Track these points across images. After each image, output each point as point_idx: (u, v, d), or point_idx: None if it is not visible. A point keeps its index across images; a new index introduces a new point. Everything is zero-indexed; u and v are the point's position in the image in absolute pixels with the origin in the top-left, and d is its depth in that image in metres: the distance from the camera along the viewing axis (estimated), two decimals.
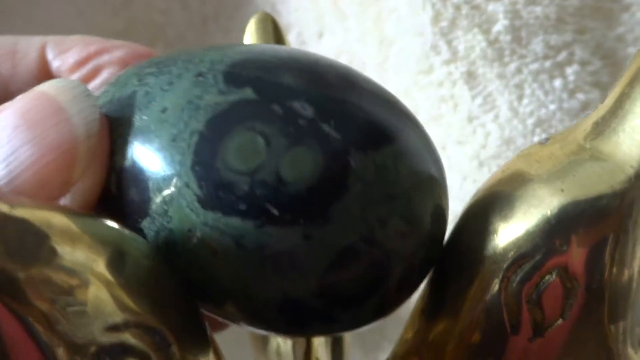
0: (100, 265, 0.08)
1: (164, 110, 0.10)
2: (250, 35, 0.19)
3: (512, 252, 0.10)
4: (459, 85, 0.24)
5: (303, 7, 0.28)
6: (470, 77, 0.25)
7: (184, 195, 0.10)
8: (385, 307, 0.11)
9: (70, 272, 0.08)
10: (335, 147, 0.10)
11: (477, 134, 0.24)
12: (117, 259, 0.08)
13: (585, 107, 0.24)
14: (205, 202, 0.10)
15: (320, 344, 0.16)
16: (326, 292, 0.10)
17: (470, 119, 0.25)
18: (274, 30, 0.20)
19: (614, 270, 0.09)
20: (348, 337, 0.18)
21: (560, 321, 0.10)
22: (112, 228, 0.09)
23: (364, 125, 0.10)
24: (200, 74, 0.10)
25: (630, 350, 0.10)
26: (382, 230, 0.10)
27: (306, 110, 0.10)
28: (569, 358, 0.10)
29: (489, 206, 0.11)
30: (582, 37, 0.24)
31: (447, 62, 0.25)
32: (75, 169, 0.10)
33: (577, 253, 0.09)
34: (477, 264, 0.10)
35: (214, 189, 0.10)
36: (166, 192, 0.10)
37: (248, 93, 0.10)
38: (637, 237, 0.10)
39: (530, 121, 0.24)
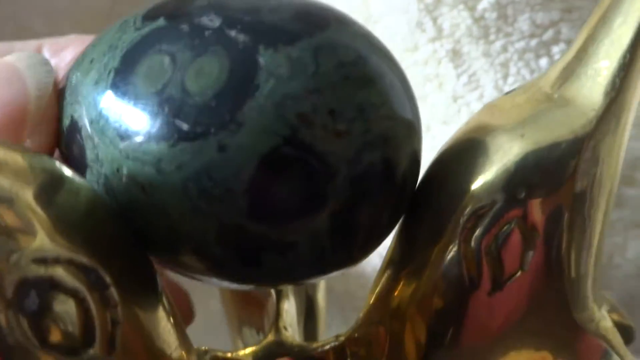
0: (28, 193, 0.08)
1: (91, 61, 0.11)
2: None
3: (472, 204, 0.10)
4: (443, 64, 0.24)
5: None
6: (456, 55, 0.24)
7: (106, 133, 0.10)
8: (346, 233, 0.10)
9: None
10: (242, 49, 0.09)
11: (461, 114, 0.24)
12: (49, 190, 0.08)
13: None
14: (124, 134, 0.10)
15: (292, 320, 0.16)
16: (261, 210, 0.09)
17: (455, 98, 0.24)
18: None
19: (575, 219, 0.09)
20: (322, 311, 0.17)
21: (519, 273, 0.09)
22: (50, 161, 0.09)
23: (276, 24, 0.10)
24: (125, 21, 0.11)
25: (592, 305, 0.10)
26: (307, 129, 0.09)
27: (213, 21, 0.10)
28: (530, 315, 0.09)
29: (451, 158, 0.10)
30: (569, 15, 0.23)
31: (433, 40, 0.24)
32: (25, 126, 0.11)
33: (536, 202, 0.09)
34: (440, 217, 0.10)
35: (130, 118, 0.10)
36: (95, 136, 0.10)
37: (160, 22, 0.10)
38: (601, 184, 0.09)
39: None
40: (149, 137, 0.09)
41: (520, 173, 0.09)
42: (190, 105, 0.09)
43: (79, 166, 0.10)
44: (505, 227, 0.09)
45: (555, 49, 0.23)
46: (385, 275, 0.12)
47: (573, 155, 0.09)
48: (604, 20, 0.09)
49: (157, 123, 0.09)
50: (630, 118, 0.09)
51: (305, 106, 0.09)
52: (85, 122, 0.10)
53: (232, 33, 0.10)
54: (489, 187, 0.09)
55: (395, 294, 0.11)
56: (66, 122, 0.11)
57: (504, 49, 0.24)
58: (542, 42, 0.23)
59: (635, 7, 0.09)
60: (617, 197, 0.23)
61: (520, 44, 0.23)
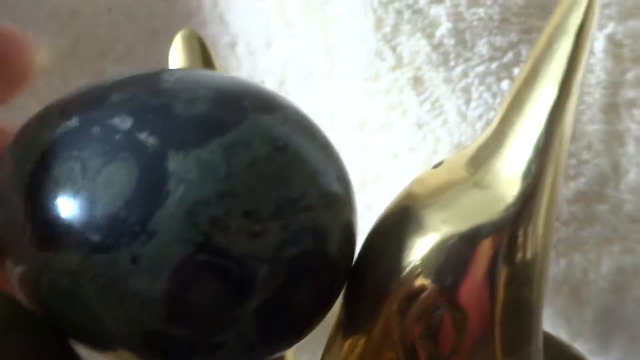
0: None
1: (12, 158, 0.10)
2: (177, 53, 0.18)
3: (403, 287, 0.09)
4: (406, 92, 0.24)
5: (250, 17, 0.28)
6: (417, 82, 0.24)
7: (25, 241, 0.10)
8: (275, 324, 0.10)
9: None
10: (151, 154, 0.09)
11: (427, 140, 0.24)
12: None
13: None
14: (39, 243, 0.09)
15: None
16: (181, 316, 0.09)
17: (420, 125, 0.24)
18: (200, 48, 0.19)
19: (507, 300, 0.09)
20: None
21: (453, 357, 0.09)
22: None
23: (186, 124, 0.09)
24: (45, 114, 0.11)
25: None
26: (221, 234, 0.09)
27: (124, 122, 0.09)
28: None
29: (384, 232, 0.10)
30: (528, 36, 0.23)
31: (393, 69, 0.24)
32: None
33: (463, 287, 0.09)
34: (376, 294, 0.10)
35: (42, 227, 0.09)
36: (16, 240, 0.10)
37: (73, 122, 0.10)
38: (529, 264, 0.09)
39: (479, 125, 0.24)
40: (61, 247, 0.09)
41: (446, 257, 0.09)
42: (101, 216, 0.09)
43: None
44: (435, 312, 0.09)
45: (516, 71, 0.23)
46: (337, 338, 0.11)
47: (495, 242, 0.09)
48: (518, 103, 0.09)
49: (69, 235, 0.09)
50: (554, 199, 0.09)
51: (218, 210, 0.09)
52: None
53: (142, 136, 0.09)
54: (416, 272, 0.09)
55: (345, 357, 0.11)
56: None
57: (465, 74, 0.24)
58: (502, 65, 0.23)
59: (548, 92, 0.08)
60: (588, 214, 0.23)
61: (481, 68, 0.23)
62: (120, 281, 0.09)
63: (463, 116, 0.24)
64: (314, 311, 0.10)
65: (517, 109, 0.09)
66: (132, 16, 0.29)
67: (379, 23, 0.24)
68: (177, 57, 0.18)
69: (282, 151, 0.10)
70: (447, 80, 0.24)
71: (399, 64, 0.24)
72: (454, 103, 0.24)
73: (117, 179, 0.09)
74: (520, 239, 0.09)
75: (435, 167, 0.11)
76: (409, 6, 0.23)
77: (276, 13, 0.27)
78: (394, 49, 0.24)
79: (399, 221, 0.10)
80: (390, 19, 0.23)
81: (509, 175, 0.09)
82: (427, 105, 0.25)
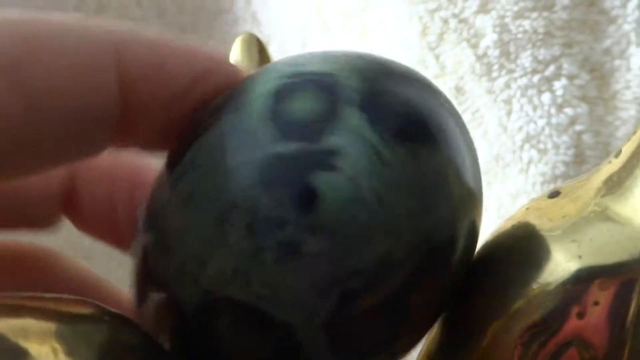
0: None
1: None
2: (236, 57, 0.18)
3: (526, 319, 0.09)
4: None
5: (286, 17, 0.27)
6: (459, 92, 0.24)
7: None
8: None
9: None
10: None
11: None
12: None
13: (574, 121, 0.23)
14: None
15: None
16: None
17: None
18: (259, 52, 0.19)
19: (635, 337, 0.09)
20: None
21: None
22: (99, 329, 0.08)
23: None
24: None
25: None
26: None
27: None
28: None
29: (499, 266, 0.10)
30: (570, 50, 0.23)
31: (436, 77, 0.24)
32: None
33: (595, 321, 0.09)
34: (485, 327, 0.10)
35: None
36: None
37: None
38: None
39: (519, 137, 0.24)
40: None
41: (579, 292, 0.09)
42: None
43: None
44: (562, 347, 0.09)
45: (557, 84, 0.23)
46: None
47: (632, 281, 0.09)
48: None
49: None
50: None
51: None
52: None
53: None
54: (545, 303, 0.09)
55: None
56: None
57: (507, 85, 0.24)
58: (544, 78, 0.23)
59: None
60: None
61: (523, 80, 0.23)
62: None
63: (503, 127, 0.24)
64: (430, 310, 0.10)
65: None
66: (162, 10, 0.29)
67: (424, 31, 0.23)
68: (235, 61, 0.18)
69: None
70: (489, 91, 0.24)
71: (441, 72, 0.24)
72: (494, 114, 0.24)
73: None
74: None
75: (551, 196, 0.10)
76: (455, 15, 0.23)
77: (314, 14, 0.26)
78: (437, 57, 0.24)
79: (520, 249, 0.10)
80: (436, 27, 0.23)
81: None
82: (467, 115, 0.25)
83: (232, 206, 0.09)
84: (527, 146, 0.23)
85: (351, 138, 0.09)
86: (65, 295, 0.08)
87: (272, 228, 0.09)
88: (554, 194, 0.10)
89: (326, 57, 0.10)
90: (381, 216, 0.09)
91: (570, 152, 0.23)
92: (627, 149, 0.10)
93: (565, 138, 0.23)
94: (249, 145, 0.09)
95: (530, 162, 0.24)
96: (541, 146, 0.23)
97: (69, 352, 0.07)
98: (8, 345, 0.07)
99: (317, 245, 0.09)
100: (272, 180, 0.09)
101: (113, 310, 0.09)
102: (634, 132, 0.10)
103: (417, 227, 0.09)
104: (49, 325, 0.07)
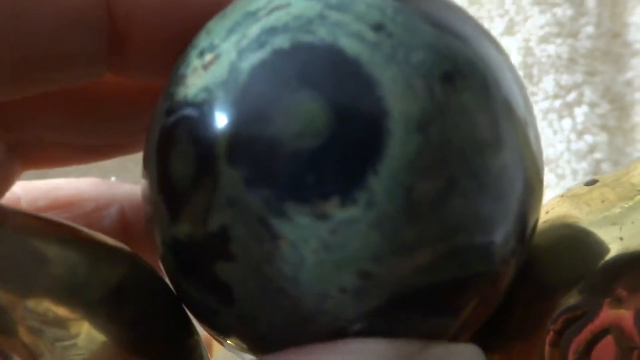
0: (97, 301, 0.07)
1: None
2: None
3: (561, 304, 0.09)
4: None
5: None
6: None
7: None
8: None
9: (67, 302, 0.07)
10: None
11: None
12: (117, 296, 0.07)
13: (593, 149, 0.23)
14: None
15: None
16: None
17: None
18: None
19: None
20: None
21: None
22: (121, 260, 0.08)
23: None
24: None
25: None
26: None
27: None
28: None
29: (536, 252, 0.10)
30: (592, 79, 0.23)
31: None
32: None
33: (635, 308, 0.09)
34: (524, 315, 0.10)
35: None
36: None
37: None
38: None
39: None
40: None
41: (619, 277, 0.09)
42: None
43: None
44: (599, 334, 0.09)
45: (578, 111, 0.23)
46: None
47: None
48: None
49: None
50: None
51: None
52: None
53: None
54: (583, 288, 0.09)
55: None
56: None
57: None
58: (565, 103, 0.23)
59: None
60: None
61: (545, 104, 0.23)
62: None
63: None
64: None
65: None
66: None
67: None
68: None
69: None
70: None
71: None
72: None
73: None
74: None
75: (588, 184, 0.10)
76: None
77: None
78: None
79: (559, 236, 0.10)
80: None
81: None
82: None
83: None
84: (545, 170, 0.23)
85: None
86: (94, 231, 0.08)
87: None
88: (591, 182, 0.10)
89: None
90: None
91: (588, 179, 0.23)
92: None
93: (583, 165, 0.23)
94: None
95: (547, 186, 0.23)
96: (559, 171, 0.23)
97: (89, 271, 0.07)
98: (31, 248, 0.06)
99: None
100: None
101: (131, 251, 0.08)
102: None
103: None
104: (75, 243, 0.07)
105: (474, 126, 0.08)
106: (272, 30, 0.08)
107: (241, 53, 0.08)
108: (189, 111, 0.08)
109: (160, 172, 0.08)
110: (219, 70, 0.08)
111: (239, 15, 0.08)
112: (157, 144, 0.08)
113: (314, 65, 0.07)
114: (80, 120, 0.11)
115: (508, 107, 0.08)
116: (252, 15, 0.08)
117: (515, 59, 0.24)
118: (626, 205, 0.09)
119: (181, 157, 0.08)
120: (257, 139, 0.07)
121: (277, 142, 0.07)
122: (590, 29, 0.23)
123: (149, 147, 0.08)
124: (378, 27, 0.08)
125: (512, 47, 0.24)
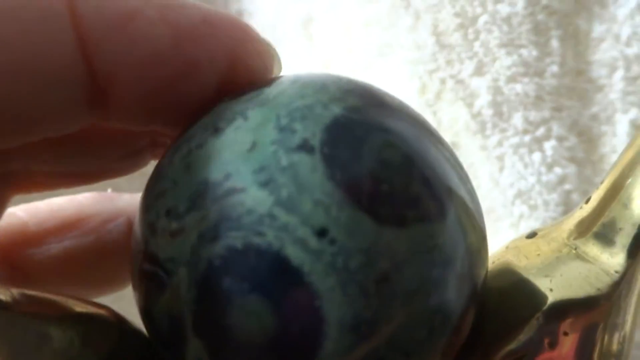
0: None
1: None
2: None
3: (501, 349, 0.10)
4: None
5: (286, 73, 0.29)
6: (454, 147, 0.25)
7: None
8: None
9: None
10: None
11: None
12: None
13: (563, 181, 0.25)
14: None
15: None
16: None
17: None
18: None
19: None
20: None
21: None
22: (111, 330, 0.09)
23: None
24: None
25: None
26: None
27: None
28: None
29: (491, 294, 0.11)
30: (559, 114, 0.25)
31: None
32: None
33: (566, 352, 0.10)
34: (464, 357, 0.11)
35: None
36: None
37: None
38: (620, 326, 0.10)
39: (510, 192, 0.25)
40: None
41: (550, 323, 0.10)
42: None
43: None
44: None
45: (547, 145, 0.25)
46: None
47: (598, 306, 0.10)
48: (617, 185, 0.10)
49: None
50: None
51: None
52: None
53: None
54: (519, 334, 0.10)
55: None
56: None
57: (500, 143, 0.25)
58: (534, 138, 0.24)
59: None
60: None
61: (515, 139, 0.24)
62: None
63: (495, 182, 0.25)
64: None
65: (616, 191, 0.10)
66: None
67: (423, 89, 0.25)
68: None
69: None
70: (483, 148, 0.25)
71: (438, 128, 0.26)
72: (487, 169, 0.25)
73: None
74: (622, 313, 0.10)
75: (529, 236, 0.11)
76: (452, 76, 0.25)
77: (321, 69, 0.28)
78: (434, 113, 0.25)
79: (495, 288, 0.11)
80: (434, 86, 0.25)
81: (611, 254, 0.10)
82: None
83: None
84: (518, 202, 0.24)
85: None
86: (85, 300, 0.09)
87: None
88: (532, 235, 0.11)
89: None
90: None
91: (560, 209, 0.24)
92: (595, 197, 0.11)
93: (554, 196, 0.24)
94: None
95: (521, 217, 0.25)
96: (532, 202, 0.24)
97: (84, 343, 0.08)
98: (36, 329, 0.07)
99: None
100: None
101: (123, 316, 0.09)
102: (602, 182, 0.11)
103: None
104: (71, 320, 0.08)
105: (409, 304, 0.09)
106: (227, 221, 0.08)
107: (201, 238, 0.08)
108: (161, 273, 0.09)
109: (143, 311, 0.09)
110: (183, 248, 0.09)
111: (200, 181, 0.09)
112: (138, 279, 0.09)
113: (262, 271, 0.08)
114: (67, 152, 0.11)
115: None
116: (212, 190, 0.09)
117: (485, 98, 0.25)
118: (555, 257, 0.10)
119: (158, 316, 0.09)
120: (215, 324, 0.08)
121: (231, 332, 0.08)
122: (555, 68, 0.25)
123: (133, 268, 0.09)
124: (321, 233, 0.08)
125: (482, 87, 0.25)
